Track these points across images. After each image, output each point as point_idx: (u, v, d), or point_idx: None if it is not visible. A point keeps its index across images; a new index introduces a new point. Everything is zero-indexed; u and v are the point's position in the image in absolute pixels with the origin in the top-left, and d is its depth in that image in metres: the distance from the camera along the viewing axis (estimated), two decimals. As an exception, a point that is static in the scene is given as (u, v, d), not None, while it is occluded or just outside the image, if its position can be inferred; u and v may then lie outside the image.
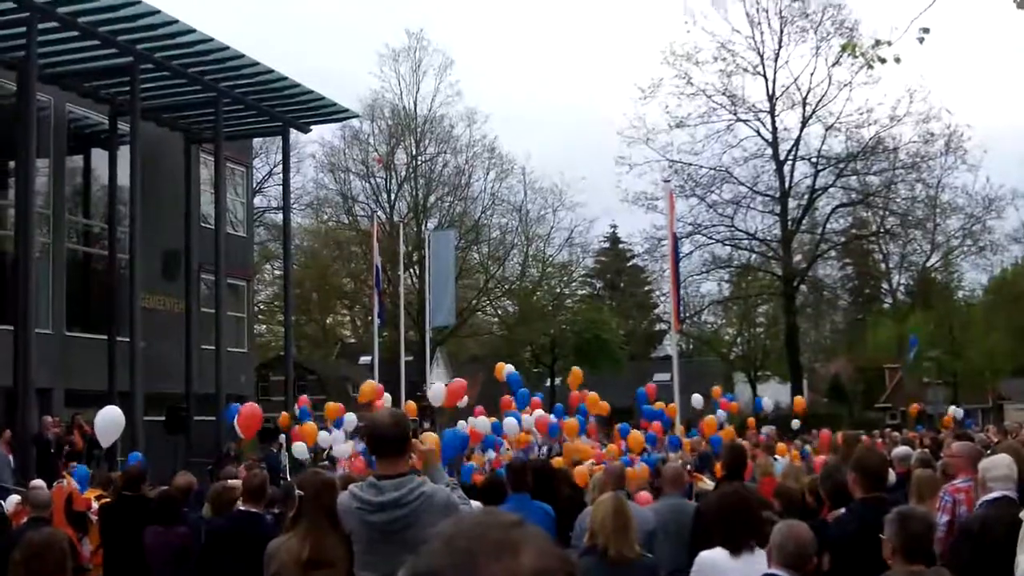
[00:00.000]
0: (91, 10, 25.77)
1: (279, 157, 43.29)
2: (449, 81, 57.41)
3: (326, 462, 24.43)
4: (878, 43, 11.28)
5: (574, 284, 65.50)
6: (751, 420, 23.70)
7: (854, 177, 51.74)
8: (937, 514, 7.90)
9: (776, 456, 17.14)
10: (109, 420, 17.14)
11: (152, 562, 9.91)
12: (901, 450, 13.33)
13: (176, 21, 26.91)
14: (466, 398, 22.16)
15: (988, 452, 9.23)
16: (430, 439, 11.83)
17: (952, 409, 38.25)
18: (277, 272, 55.10)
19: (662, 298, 59.69)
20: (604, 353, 55.15)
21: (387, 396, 21.78)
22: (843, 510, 7.53)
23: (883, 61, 11.23)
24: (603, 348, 55.74)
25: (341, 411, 21.41)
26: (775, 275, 53.64)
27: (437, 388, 19.48)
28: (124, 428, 18.66)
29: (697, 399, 25.69)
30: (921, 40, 10.51)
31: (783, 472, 11.57)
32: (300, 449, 21.13)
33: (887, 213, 52.50)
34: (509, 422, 19.90)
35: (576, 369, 23.37)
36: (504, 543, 1.78)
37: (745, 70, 50.34)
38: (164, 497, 10.52)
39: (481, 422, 20.57)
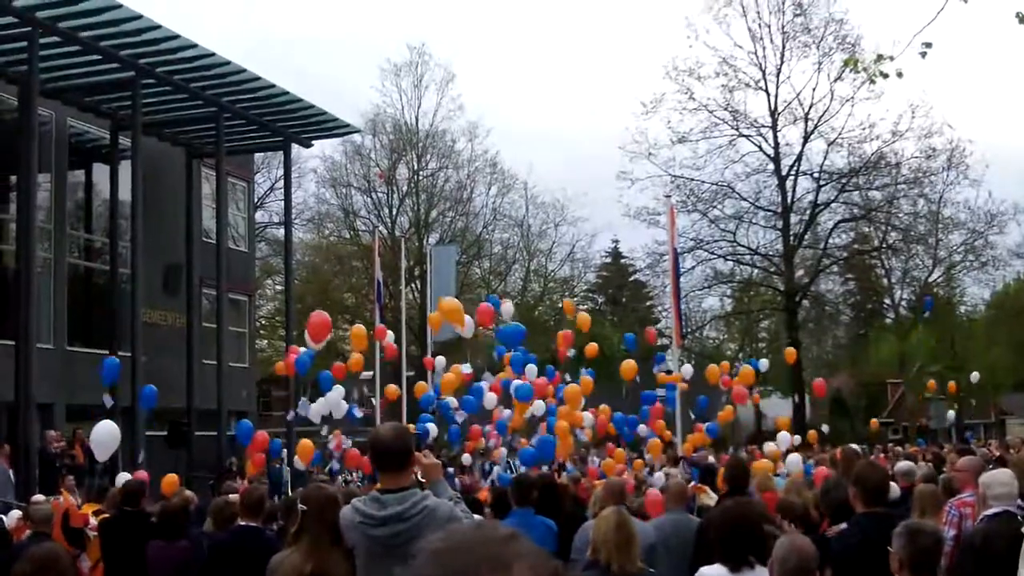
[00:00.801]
0: (93, 25, 25.83)
1: (280, 172, 43.30)
2: (451, 96, 57.47)
3: (326, 475, 24.43)
4: (880, 58, 11.29)
5: (576, 299, 65.50)
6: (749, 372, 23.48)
7: (856, 192, 51.67)
8: (943, 528, 7.88)
9: (777, 472, 17.09)
10: (104, 434, 17.03)
11: (154, 577, 9.89)
12: (904, 465, 13.29)
13: (177, 36, 26.98)
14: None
15: (990, 467, 9.22)
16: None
17: (950, 415, 38.31)
18: (279, 287, 55.10)
19: (664, 313, 59.54)
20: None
21: (390, 333, 21.73)
22: (844, 525, 7.52)
23: (885, 76, 11.25)
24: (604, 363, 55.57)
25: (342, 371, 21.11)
26: (777, 290, 53.59)
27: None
28: (126, 443, 18.63)
29: (687, 369, 25.26)
30: (923, 55, 10.52)
31: (785, 487, 11.54)
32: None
33: (889, 228, 52.43)
34: (519, 386, 19.97)
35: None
36: (499, 557, 1.78)
37: (747, 85, 50.32)
38: (166, 511, 10.51)
39: (490, 398, 20.87)
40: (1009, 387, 58.16)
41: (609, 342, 57.97)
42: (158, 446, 28.27)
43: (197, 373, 31.65)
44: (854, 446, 16.69)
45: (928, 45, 10.57)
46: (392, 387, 24.25)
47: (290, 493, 22.31)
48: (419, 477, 5.88)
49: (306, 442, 20.69)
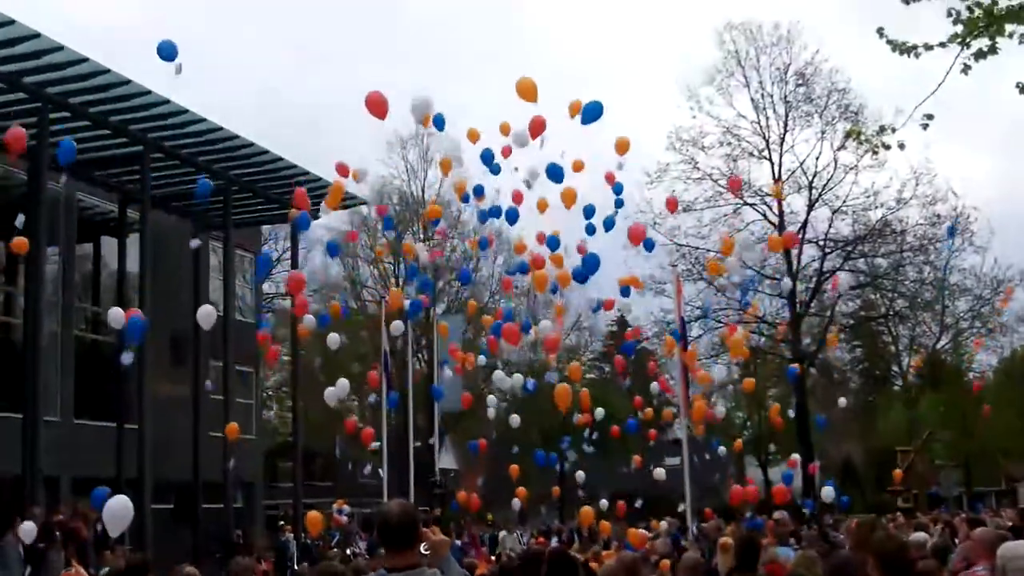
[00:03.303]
0: (102, 100, 26.08)
1: (288, 243, 43.50)
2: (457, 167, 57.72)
3: (335, 549, 24.31)
4: (882, 130, 11.34)
5: (583, 367, 65.31)
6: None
7: (862, 260, 51.75)
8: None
9: (790, 541, 16.90)
10: (118, 508, 16.71)
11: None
12: (917, 536, 13.16)
13: (186, 111, 27.22)
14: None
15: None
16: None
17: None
18: (285, 358, 55.08)
19: (671, 382, 59.36)
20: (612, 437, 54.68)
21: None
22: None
23: (887, 147, 11.29)
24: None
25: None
26: (784, 358, 53.45)
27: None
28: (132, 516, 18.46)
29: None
30: (925, 127, 10.57)
31: (795, 560, 11.42)
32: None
33: (895, 295, 52.45)
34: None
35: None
36: None
37: (751, 154, 50.60)
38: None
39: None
40: (1018, 454, 57.78)
41: (616, 410, 57.83)
42: (165, 520, 28.13)
43: (204, 445, 31.50)
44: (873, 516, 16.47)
45: (930, 117, 10.60)
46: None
47: (296, 567, 22.20)
48: (423, 549, 5.83)
49: (314, 514, 20.63)
